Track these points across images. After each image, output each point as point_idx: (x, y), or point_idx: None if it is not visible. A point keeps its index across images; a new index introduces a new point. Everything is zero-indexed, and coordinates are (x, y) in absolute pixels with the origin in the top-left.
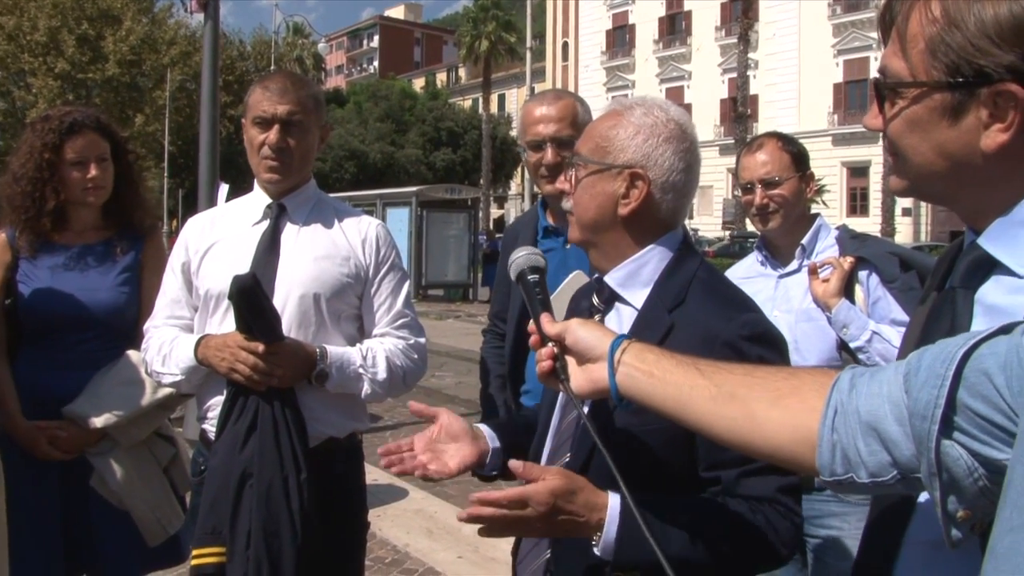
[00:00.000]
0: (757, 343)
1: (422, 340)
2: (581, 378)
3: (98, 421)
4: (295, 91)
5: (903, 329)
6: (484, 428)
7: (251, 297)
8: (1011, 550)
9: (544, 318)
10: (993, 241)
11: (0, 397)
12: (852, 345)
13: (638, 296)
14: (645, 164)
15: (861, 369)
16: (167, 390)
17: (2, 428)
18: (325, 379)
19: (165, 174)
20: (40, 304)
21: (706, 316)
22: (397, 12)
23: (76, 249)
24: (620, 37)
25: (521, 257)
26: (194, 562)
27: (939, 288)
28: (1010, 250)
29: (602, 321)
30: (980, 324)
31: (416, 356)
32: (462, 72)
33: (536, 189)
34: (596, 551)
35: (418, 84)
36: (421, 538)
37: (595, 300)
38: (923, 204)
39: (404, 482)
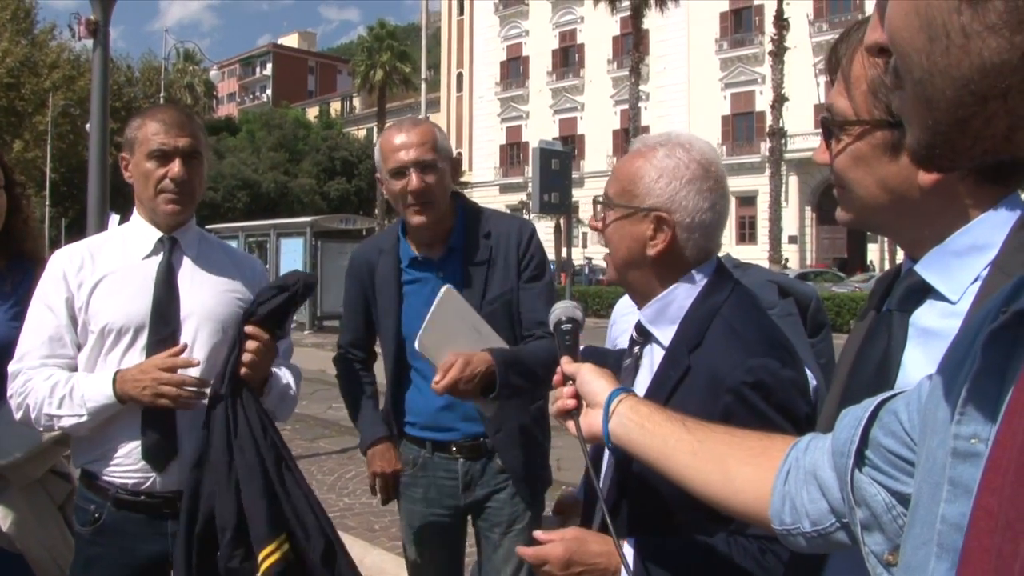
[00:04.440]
0: (764, 390)
1: (298, 367)
2: (584, 422)
3: None
4: (191, 124)
5: None
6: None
7: (308, 293)
8: (924, 562)
9: (564, 360)
10: (928, 268)
11: None
12: None
13: (667, 333)
14: (670, 207)
15: (820, 434)
16: None
17: None
18: (268, 392)
19: (47, 202)
20: None
21: (717, 360)
22: (291, 40)
23: None
24: (514, 68)
25: (560, 309)
26: (266, 564)
27: (877, 309)
28: (943, 277)
29: (640, 354)
30: (914, 345)
31: (298, 382)
32: (356, 101)
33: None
34: None
35: (312, 113)
36: None
37: (635, 334)
38: (808, 233)
39: None
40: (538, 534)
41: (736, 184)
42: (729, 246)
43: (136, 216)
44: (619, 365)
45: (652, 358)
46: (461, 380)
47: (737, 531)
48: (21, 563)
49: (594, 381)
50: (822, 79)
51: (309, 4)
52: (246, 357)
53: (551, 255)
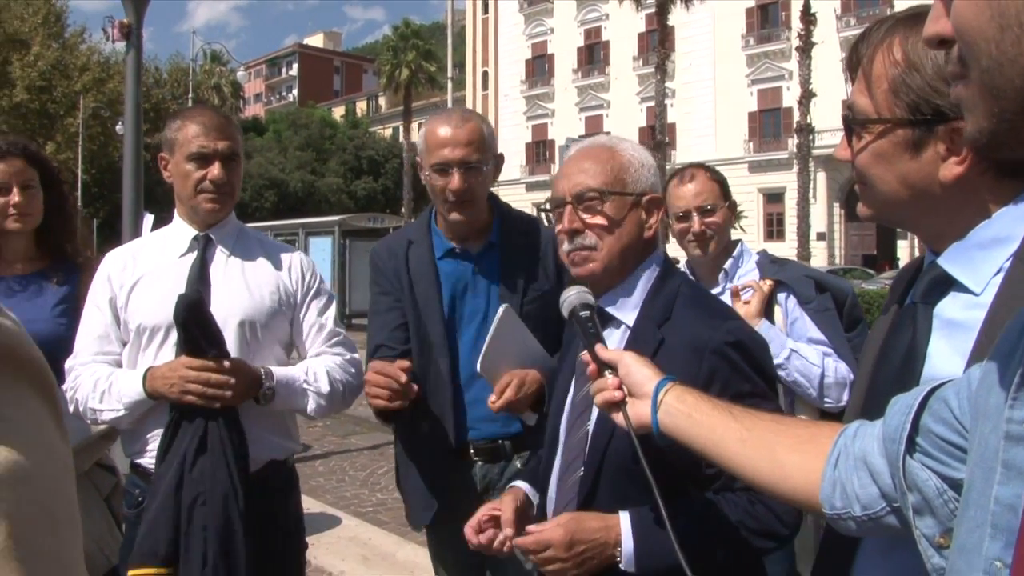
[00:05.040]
0: (742, 349)
1: (357, 356)
2: (631, 412)
3: None
4: (229, 127)
5: (820, 347)
6: (525, 486)
7: (199, 313)
8: (979, 543)
9: (599, 347)
10: (951, 261)
11: None
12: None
13: (630, 315)
14: (656, 191)
15: (868, 421)
16: None
17: None
18: (271, 397)
19: (79, 203)
20: None
21: (692, 327)
22: (317, 40)
23: (11, 280)
24: (539, 66)
25: (573, 295)
26: None
27: (899, 303)
28: (967, 270)
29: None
30: (939, 336)
31: (353, 371)
32: (382, 101)
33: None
34: (621, 566)
35: (338, 113)
36: (357, 565)
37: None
38: (836, 230)
39: (337, 510)
40: (531, 528)
41: (763, 181)
42: (756, 243)
43: (176, 216)
44: (575, 359)
45: (614, 342)
46: (517, 401)
47: (724, 487)
48: None
49: (639, 370)
50: None
51: (334, 4)
52: (188, 399)
53: None
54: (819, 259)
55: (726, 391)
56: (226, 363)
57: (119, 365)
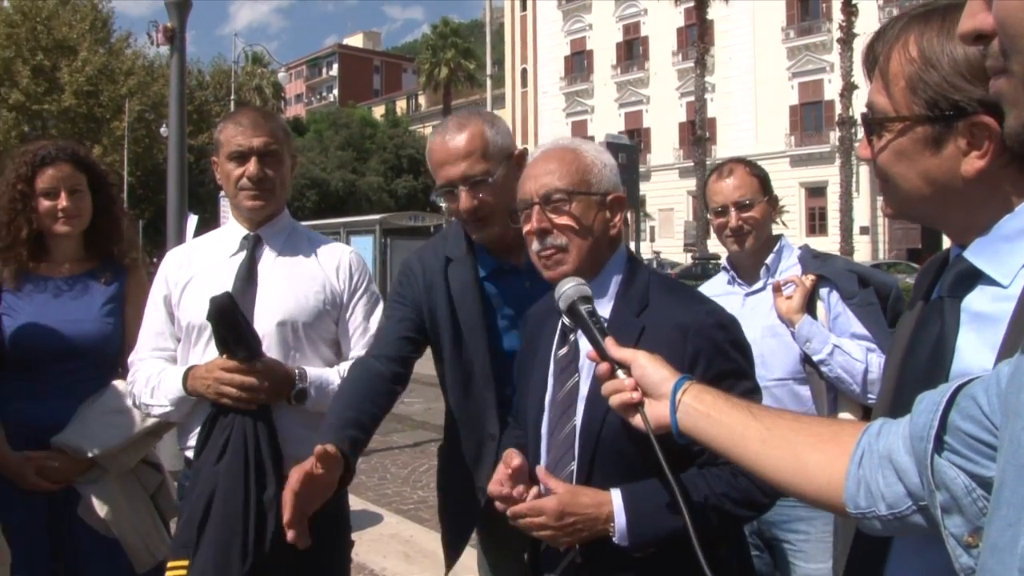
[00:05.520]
0: (725, 329)
1: None
2: (649, 412)
3: (90, 450)
4: (267, 123)
5: (863, 342)
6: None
7: (228, 315)
8: (1012, 542)
9: (608, 342)
10: (978, 255)
11: None
12: (815, 358)
13: (604, 308)
14: (620, 191)
15: (891, 419)
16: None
17: None
18: (304, 398)
19: (125, 205)
20: (24, 335)
21: (672, 311)
22: (356, 40)
23: (60, 280)
24: (578, 63)
25: (570, 288)
26: (167, 575)
27: (925, 298)
28: (994, 262)
29: (575, 339)
30: (968, 329)
31: None
32: (422, 99)
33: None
34: (614, 540)
35: (378, 112)
36: (398, 562)
37: (566, 320)
38: (880, 224)
39: (379, 507)
40: (542, 474)
41: (805, 175)
42: (798, 237)
43: (230, 216)
44: (547, 358)
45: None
46: None
47: (708, 462)
48: (117, 547)
49: (654, 371)
50: None
51: (374, 4)
52: (224, 400)
53: None
54: (863, 254)
55: (710, 369)
56: (258, 365)
57: (174, 361)
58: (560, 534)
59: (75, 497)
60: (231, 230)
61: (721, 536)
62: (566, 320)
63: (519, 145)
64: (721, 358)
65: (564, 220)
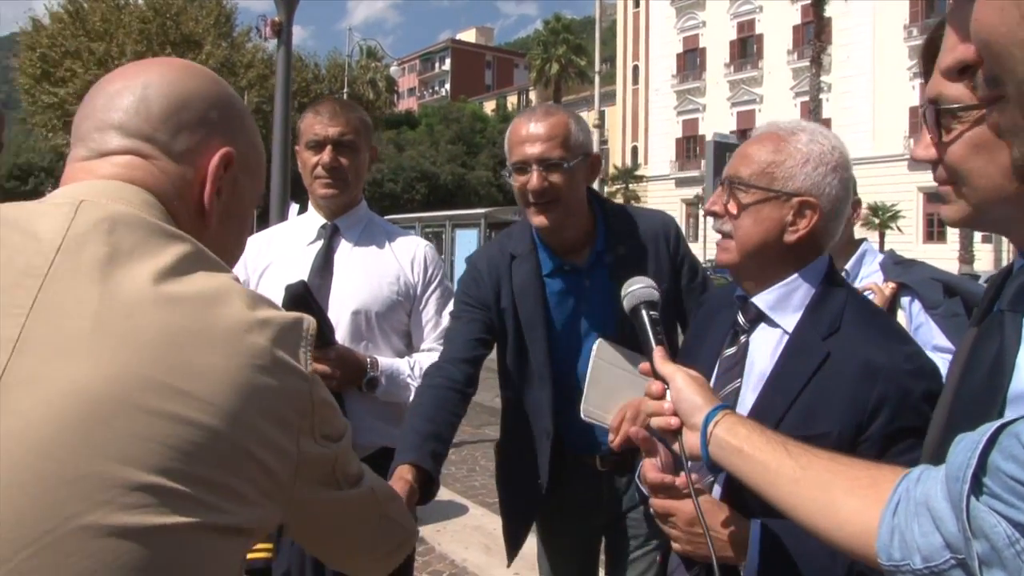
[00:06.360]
0: (923, 378)
1: None
2: (684, 440)
3: None
4: (344, 114)
5: (946, 355)
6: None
7: (302, 303)
8: None
9: (657, 353)
10: None
11: None
12: None
13: (788, 320)
14: (816, 193)
15: (933, 466)
16: None
17: None
18: (375, 386)
19: None
20: None
21: (865, 347)
22: (469, 36)
23: None
24: (691, 60)
25: (639, 288)
26: (249, 555)
27: (987, 312)
28: None
29: (746, 341)
30: None
31: None
32: (532, 95)
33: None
34: (743, 573)
35: (489, 107)
36: (479, 554)
37: (740, 319)
38: None
39: (464, 499)
40: (683, 482)
41: (924, 179)
42: (915, 245)
43: (310, 205)
44: (714, 354)
45: (766, 345)
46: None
47: None
48: None
49: (690, 397)
50: None
51: (488, 1)
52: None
53: None
54: (984, 263)
55: (893, 422)
56: (331, 352)
57: None
58: (684, 540)
59: None
60: (310, 219)
61: None
62: (741, 320)
63: (629, 141)
64: (910, 412)
65: (732, 208)
